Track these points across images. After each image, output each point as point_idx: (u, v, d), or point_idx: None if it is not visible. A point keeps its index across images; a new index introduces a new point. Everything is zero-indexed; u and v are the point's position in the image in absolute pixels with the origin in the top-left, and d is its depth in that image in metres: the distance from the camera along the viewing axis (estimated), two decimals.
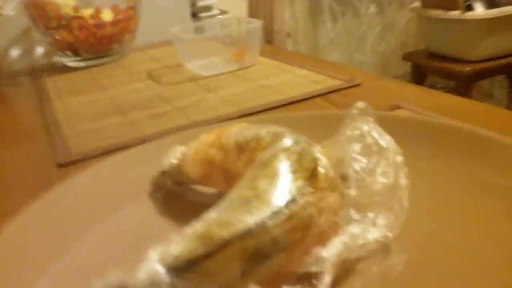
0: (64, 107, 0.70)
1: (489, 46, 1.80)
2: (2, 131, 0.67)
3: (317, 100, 0.62)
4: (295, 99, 0.62)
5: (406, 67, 2.06)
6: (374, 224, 0.29)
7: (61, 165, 0.50)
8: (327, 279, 0.25)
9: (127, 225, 0.35)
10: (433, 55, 1.97)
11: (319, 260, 0.25)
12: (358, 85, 0.65)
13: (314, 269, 0.25)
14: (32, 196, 0.37)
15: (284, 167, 0.27)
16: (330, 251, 0.26)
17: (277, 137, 0.31)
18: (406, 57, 2.09)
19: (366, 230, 0.29)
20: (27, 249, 0.32)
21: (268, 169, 0.27)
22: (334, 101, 0.61)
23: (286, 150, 0.29)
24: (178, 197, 0.39)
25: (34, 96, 0.80)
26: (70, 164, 0.50)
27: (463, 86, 1.80)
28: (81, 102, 0.72)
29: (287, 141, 0.30)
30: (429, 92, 0.61)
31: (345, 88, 0.65)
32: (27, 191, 0.46)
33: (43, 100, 0.75)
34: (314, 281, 0.25)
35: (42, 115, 0.69)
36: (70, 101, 0.73)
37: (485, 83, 2.15)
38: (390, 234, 0.29)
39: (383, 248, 0.30)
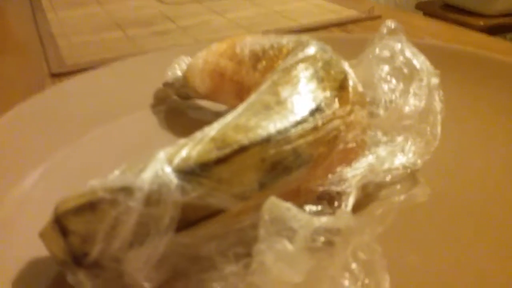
0: (58, 19, 0.65)
1: (506, 1, 1.73)
2: None
3: (334, 29, 0.58)
4: (310, 27, 0.57)
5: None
6: (403, 149, 0.26)
7: (54, 75, 0.47)
8: (350, 201, 0.22)
9: (125, 135, 0.32)
10: (447, 6, 1.89)
11: (342, 180, 0.22)
12: (378, 17, 0.61)
13: (336, 189, 0.22)
14: None
15: (309, 74, 0.24)
16: (355, 172, 0.23)
17: (301, 44, 0.27)
18: (419, 6, 2.01)
19: (394, 155, 0.26)
20: (17, 143, 0.29)
21: (291, 75, 0.24)
22: (351, 31, 0.57)
23: (312, 57, 0.25)
24: (181, 113, 0.36)
25: (27, 6, 0.74)
26: (64, 74, 0.47)
27: None
28: (77, 15, 0.67)
29: (313, 48, 0.26)
30: (453, 27, 0.57)
31: (363, 20, 0.60)
32: (18, 99, 0.42)
33: (36, 11, 0.70)
34: (336, 201, 0.22)
35: (35, 26, 0.64)
36: (65, 14, 0.68)
37: None
38: (418, 161, 0.26)
39: (409, 176, 0.27)
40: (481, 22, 1.73)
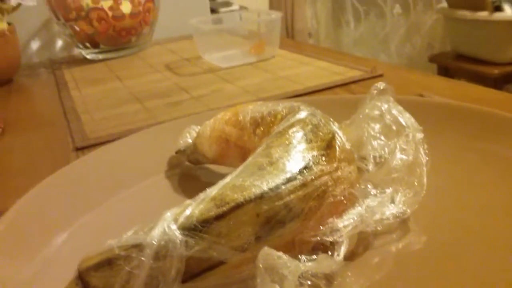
0: (82, 96, 0.71)
1: None
2: (21, 117, 0.67)
3: (337, 90, 0.61)
4: (315, 89, 0.61)
5: (433, 69, 2.02)
6: (393, 200, 0.29)
7: (78, 149, 0.50)
8: (342, 249, 0.24)
9: (141, 200, 0.35)
10: (460, 57, 1.92)
11: (334, 230, 0.25)
12: (380, 75, 0.64)
13: (329, 239, 0.24)
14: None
15: (299, 136, 0.27)
16: (346, 222, 0.25)
17: (293, 110, 0.30)
18: (432, 59, 2.04)
19: (384, 205, 0.28)
20: (46, 210, 0.33)
21: (282, 138, 0.27)
22: (354, 91, 0.60)
23: (302, 121, 0.28)
24: (193, 177, 0.39)
25: (53, 86, 0.80)
26: (87, 147, 0.50)
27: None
28: (99, 92, 0.72)
29: (303, 113, 0.29)
30: (454, 82, 0.60)
31: (366, 79, 0.64)
32: (46, 172, 0.46)
33: (61, 90, 0.75)
34: (329, 252, 0.24)
35: (60, 103, 0.69)
36: (88, 91, 0.73)
37: None
38: (408, 210, 0.28)
39: (402, 225, 0.29)
40: (496, 71, 1.74)
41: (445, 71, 1.96)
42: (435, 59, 2.04)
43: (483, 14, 1.75)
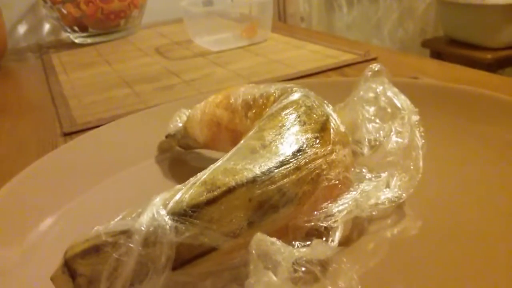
0: (70, 81, 0.69)
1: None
2: (9, 103, 0.66)
3: (330, 74, 0.60)
4: (307, 73, 0.60)
5: (425, 54, 2.00)
6: (388, 185, 0.28)
7: (66, 134, 0.49)
8: (337, 235, 0.24)
9: (130, 185, 0.35)
10: (453, 42, 1.91)
11: (328, 215, 0.24)
12: (373, 59, 0.63)
13: (323, 224, 0.24)
14: None
15: (293, 119, 0.26)
16: (340, 207, 0.25)
17: (286, 92, 0.29)
18: (425, 44, 2.04)
19: (379, 190, 0.27)
20: (34, 194, 0.32)
21: (275, 121, 0.26)
22: (348, 75, 0.59)
23: (295, 102, 0.27)
24: (184, 162, 0.38)
25: (40, 70, 0.79)
26: (75, 133, 0.49)
27: None
28: (87, 76, 0.71)
29: (296, 95, 0.28)
30: (447, 65, 0.59)
31: (360, 63, 0.63)
32: (34, 157, 0.45)
33: (49, 74, 0.74)
34: (324, 237, 0.24)
35: (48, 88, 0.68)
36: (76, 75, 0.72)
37: (508, 72, 2.09)
38: (403, 194, 0.28)
39: (397, 210, 0.28)
40: (489, 56, 1.74)
41: (438, 56, 1.95)
42: (427, 44, 2.03)
43: None
